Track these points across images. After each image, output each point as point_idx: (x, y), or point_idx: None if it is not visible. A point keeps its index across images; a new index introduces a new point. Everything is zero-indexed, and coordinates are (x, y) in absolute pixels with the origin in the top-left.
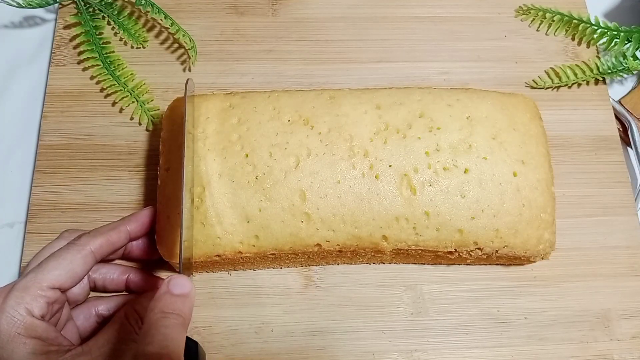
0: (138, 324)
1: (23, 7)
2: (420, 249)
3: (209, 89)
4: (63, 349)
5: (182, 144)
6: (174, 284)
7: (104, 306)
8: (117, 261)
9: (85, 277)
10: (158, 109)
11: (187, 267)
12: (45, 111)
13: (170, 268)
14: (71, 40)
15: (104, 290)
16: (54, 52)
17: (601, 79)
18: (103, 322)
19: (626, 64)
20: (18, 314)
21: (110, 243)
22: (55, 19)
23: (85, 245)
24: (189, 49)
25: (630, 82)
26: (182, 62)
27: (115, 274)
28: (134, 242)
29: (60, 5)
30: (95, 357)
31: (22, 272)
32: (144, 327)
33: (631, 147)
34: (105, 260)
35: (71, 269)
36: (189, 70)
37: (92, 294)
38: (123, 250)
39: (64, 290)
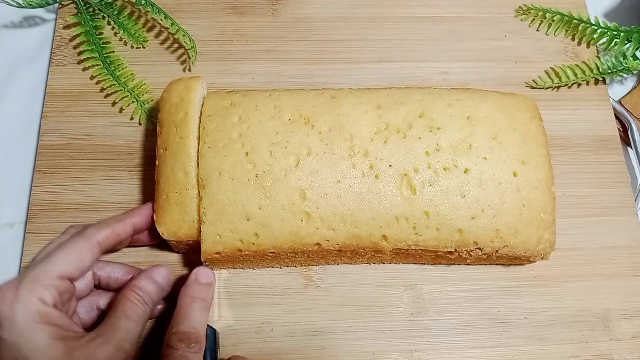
0: (142, 302)
1: (23, 7)
2: (420, 249)
3: (209, 89)
4: (78, 334)
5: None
6: (201, 274)
7: (105, 300)
8: (122, 254)
9: (90, 274)
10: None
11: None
12: (45, 111)
13: (168, 248)
14: (71, 40)
15: (108, 288)
16: (54, 52)
17: (601, 79)
18: (103, 316)
19: (626, 64)
20: (32, 302)
21: (116, 235)
22: (55, 19)
23: (91, 237)
24: (189, 49)
25: (630, 82)
26: (182, 62)
27: (120, 273)
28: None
29: (60, 5)
30: (110, 338)
31: (28, 267)
32: (177, 310)
33: (631, 147)
34: (110, 250)
35: (79, 260)
36: (189, 70)
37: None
38: (128, 242)
39: (72, 280)
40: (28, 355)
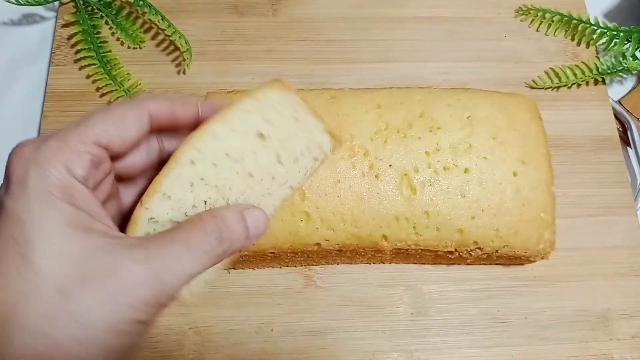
0: (218, 238)
1: (22, 5)
2: (420, 249)
3: (209, 89)
4: (108, 231)
5: None
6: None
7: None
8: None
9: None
10: None
11: None
12: (45, 111)
13: None
14: (69, 38)
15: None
16: (54, 52)
17: (601, 79)
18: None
19: (625, 64)
20: (54, 168)
21: (173, 111)
22: (56, 17)
23: (141, 102)
24: (184, 52)
25: (630, 82)
26: (178, 65)
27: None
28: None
29: (60, 4)
30: (150, 258)
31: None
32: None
33: (631, 147)
34: (162, 130)
35: (123, 126)
36: (184, 72)
37: None
38: (185, 131)
39: (112, 153)
40: (31, 239)
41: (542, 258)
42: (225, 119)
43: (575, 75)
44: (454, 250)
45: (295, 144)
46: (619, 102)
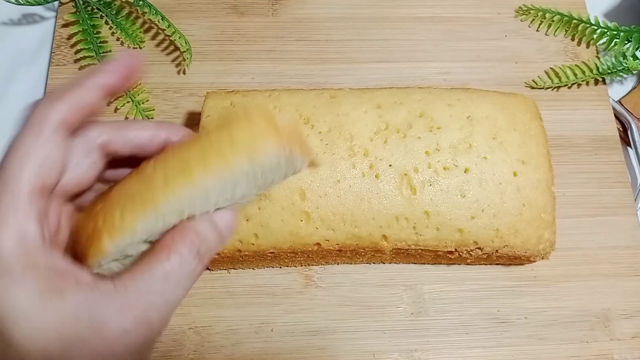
0: (196, 255)
1: (22, 4)
2: (420, 249)
3: (209, 89)
4: (83, 284)
5: None
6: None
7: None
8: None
9: (95, 153)
10: (153, 109)
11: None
12: None
13: None
14: (69, 38)
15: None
16: (53, 52)
17: (601, 79)
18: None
19: (626, 64)
20: (7, 242)
21: (79, 106)
22: (56, 17)
23: (45, 122)
24: (184, 52)
25: (630, 82)
26: (178, 65)
27: (144, 137)
28: None
29: (60, 3)
30: (130, 300)
31: None
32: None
33: (631, 147)
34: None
35: (44, 160)
36: (184, 72)
37: None
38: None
39: (51, 188)
40: (6, 323)
41: (542, 258)
42: (219, 176)
43: (575, 75)
44: (454, 250)
45: (276, 177)
46: (619, 102)
